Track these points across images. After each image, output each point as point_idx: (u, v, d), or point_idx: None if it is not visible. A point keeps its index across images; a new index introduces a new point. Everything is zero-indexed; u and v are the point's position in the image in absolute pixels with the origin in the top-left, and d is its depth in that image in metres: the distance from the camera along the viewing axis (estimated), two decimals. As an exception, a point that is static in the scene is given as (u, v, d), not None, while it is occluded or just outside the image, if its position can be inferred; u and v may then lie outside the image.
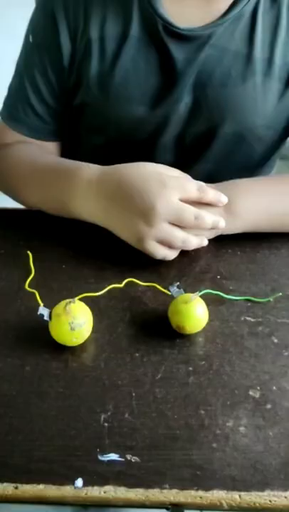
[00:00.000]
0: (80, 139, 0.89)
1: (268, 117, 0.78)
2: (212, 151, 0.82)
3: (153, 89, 0.76)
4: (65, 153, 0.90)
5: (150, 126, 0.79)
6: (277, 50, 0.74)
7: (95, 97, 0.78)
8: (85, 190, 0.70)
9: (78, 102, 0.81)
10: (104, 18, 0.75)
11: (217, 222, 0.69)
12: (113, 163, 0.70)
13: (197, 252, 0.74)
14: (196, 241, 0.69)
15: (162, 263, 0.72)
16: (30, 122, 0.84)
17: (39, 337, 0.62)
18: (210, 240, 0.75)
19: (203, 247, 0.74)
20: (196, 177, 0.72)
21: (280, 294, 0.68)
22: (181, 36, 0.73)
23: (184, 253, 0.74)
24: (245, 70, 0.74)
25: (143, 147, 0.82)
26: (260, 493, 0.51)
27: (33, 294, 0.66)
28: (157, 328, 0.64)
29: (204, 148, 0.82)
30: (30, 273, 0.70)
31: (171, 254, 0.70)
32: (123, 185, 0.67)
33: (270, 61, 0.74)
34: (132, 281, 0.69)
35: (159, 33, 0.74)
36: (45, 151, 0.85)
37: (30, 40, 0.79)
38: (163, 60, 0.75)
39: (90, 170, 0.71)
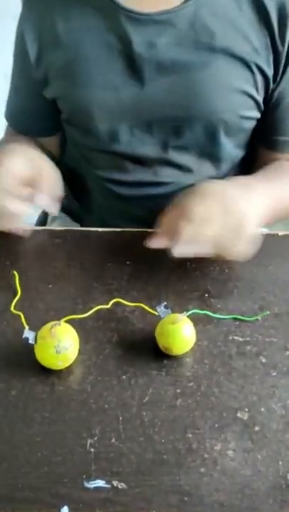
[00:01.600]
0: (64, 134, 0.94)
1: (233, 103, 0.79)
2: (185, 139, 0.82)
3: (116, 74, 0.77)
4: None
5: (119, 112, 0.80)
6: (238, 38, 0.75)
7: (63, 88, 0.82)
8: None
9: (50, 96, 0.85)
10: (66, 13, 0.79)
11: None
12: (92, 155, 0.77)
13: (185, 269, 0.74)
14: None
15: (150, 281, 0.72)
16: (22, 120, 0.92)
17: (25, 360, 0.61)
18: (197, 258, 0.75)
19: (191, 265, 0.74)
20: (176, 167, 0.81)
21: (268, 312, 0.68)
22: (139, 20, 0.75)
23: (171, 271, 0.73)
24: (206, 56, 0.76)
25: (116, 136, 0.82)
26: (248, 519, 0.51)
27: (19, 315, 0.66)
28: (145, 349, 0.64)
29: (178, 136, 0.82)
30: (16, 293, 0.70)
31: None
32: None
33: (230, 48, 0.76)
34: (119, 302, 0.68)
35: (119, 19, 0.76)
36: (44, 145, 0.92)
37: (13, 53, 0.88)
38: (123, 45, 0.76)
39: None
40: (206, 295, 0.71)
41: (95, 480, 0.52)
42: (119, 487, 0.52)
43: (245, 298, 0.70)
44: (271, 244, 0.79)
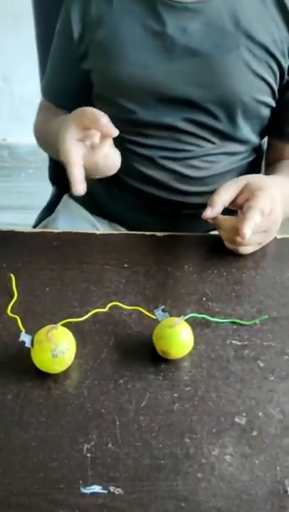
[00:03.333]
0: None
1: (252, 87, 0.85)
2: (207, 116, 0.87)
3: (149, 52, 0.85)
4: None
5: (147, 87, 0.86)
6: (260, 28, 0.83)
7: (99, 61, 0.88)
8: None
9: (87, 68, 0.91)
10: None
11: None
12: (115, 123, 0.77)
13: (183, 273, 0.73)
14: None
15: (148, 284, 0.72)
16: (58, 95, 0.99)
17: (21, 364, 0.61)
18: (195, 261, 0.75)
19: (189, 268, 0.74)
20: (197, 137, 0.88)
21: (266, 316, 0.68)
22: (174, 7, 0.84)
23: (169, 274, 0.73)
24: (231, 42, 0.83)
25: (142, 108, 0.88)
26: (246, 526, 0.50)
27: (16, 319, 0.65)
28: (142, 353, 0.63)
29: (200, 112, 0.87)
30: (12, 296, 0.69)
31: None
32: None
33: (253, 37, 0.83)
34: (116, 305, 0.68)
35: (155, 6, 0.84)
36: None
37: (58, 26, 0.95)
38: (158, 28, 0.84)
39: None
40: (204, 299, 0.70)
41: (91, 485, 0.52)
42: (116, 493, 0.52)
43: (244, 302, 0.70)
44: (269, 248, 0.78)
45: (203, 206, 0.75)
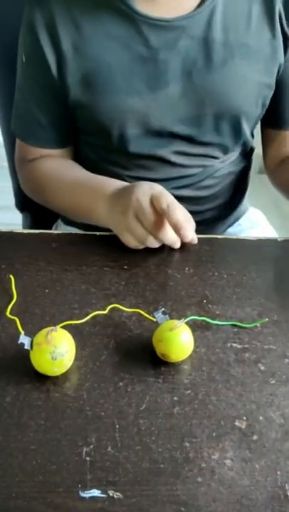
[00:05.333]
0: (80, 146, 0.93)
1: (253, 95, 0.83)
2: (210, 134, 0.85)
3: (139, 78, 0.79)
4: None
5: (145, 116, 0.81)
6: (250, 32, 0.80)
7: (84, 96, 0.81)
8: (105, 203, 0.78)
9: (72, 103, 0.83)
10: (83, 20, 0.78)
11: (174, 243, 0.73)
12: (113, 157, 0.79)
13: (183, 275, 0.73)
14: (154, 243, 0.73)
15: (148, 286, 0.71)
16: (41, 134, 0.88)
17: (20, 366, 0.60)
18: (196, 263, 0.74)
19: (189, 270, 0.73)
20: (202, 157, 0.86)
21: (267, 319, 0.67)
22: (159, 27, 0.78)
23: (169, 276, 0.73)
24: (223, 55, 0.79)
25: (142, 138, 0.83)
26: (246, 531, 0.50)
27: (15, 320, 0.65)
28: (142, 356, 0.63)
29: (203, 131, 0.85)
30: (12, 298, 0.69)
31: (140, 246, 0.74)
32: (123, 193, 0.76)
33: (245, 43, 0.80)
34: (116, 307, 0.67)
35: (138, 26, 0.78)
36: (67, 160, 0.91)
37: (23, 59, 0.84)
38: (147, 52, 0.79)
39: (110, 187, 0.79)
40: (205, 301, 0.70)
41: (90, 489, 0.51)
42: (115, 497, 0.51)
43: (244, 304, 0.69)
44: (270, 250, 0.78)
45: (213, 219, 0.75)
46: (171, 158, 0.85)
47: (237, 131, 0.86)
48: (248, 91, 0.82)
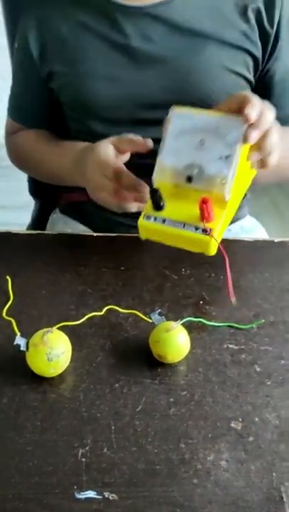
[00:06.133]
0: (67, 129, 0.94)
1: (226, 84, 0.82)
2: None
3: (116, 65, 0.81)
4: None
5: (121, 99, 0.82)
6: (226, 24, 0.79)
7: (68, 81, 0.85)
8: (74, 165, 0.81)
9: (55, 88, 0.87)
10: (64, 12, 0.82)
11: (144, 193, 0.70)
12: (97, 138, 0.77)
13: (180, 276, 0.73)
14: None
15: (145, 288, 0.71)
16: (29, 115, 0.94)
17: (16, 367, 0.60)
18: (193, 264, 0.74)
19: (186, 271, 0.73)
20: None
21: (263, 320, 0.67)
22: (133, 14, 0.79)
23: (166, 277, 0.73)
24: (198, 43, 0.80)
25: (118, 121, 0.84)
26: (241, 532, 0.50)
27: (11, 321, 0.65)
28: (138, 357, 0.63)
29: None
30: (8, 299, 0.69)
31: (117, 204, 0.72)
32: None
33: (220, 34, 0.80)
34: (112, 308, 0.67)
35: (113, 14, 0.79)
36: (43, 130, 0.94)
37: (16, 45, 0.90)
38: (121, 39, 0.80)
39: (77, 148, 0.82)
40: (201, 302, 0.70)
41: (86, 491, 0.52)
42: (111, 498, 0.51)
43: (241, 305, 0.70)
44: (267, 252, 0.78)
45: None
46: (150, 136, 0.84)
47: None
48: (222, 81, 0.82)
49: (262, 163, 0.68)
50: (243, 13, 0.79)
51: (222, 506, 0.51)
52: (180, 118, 0.67)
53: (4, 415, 0.57)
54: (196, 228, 0.64)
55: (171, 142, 0.66)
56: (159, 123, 0.82)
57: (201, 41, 0.79)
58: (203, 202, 0.63)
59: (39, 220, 1.06)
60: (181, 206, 0.65)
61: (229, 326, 0.67)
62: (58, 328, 0.61)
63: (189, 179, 0.65)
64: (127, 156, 0.74)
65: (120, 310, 0.67)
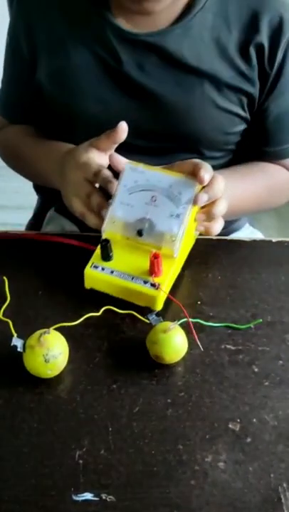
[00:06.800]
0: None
1: (219, 123, 0.81)
2: (170, 155, 0.81)
3: (106, 88, 0.79)
4: None
5: (108, 123, 0.77)
6: (224, 63, 0.77)
7: (55, 94, 0.82)
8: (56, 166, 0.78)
9: (44, 96, 0.85)
10: (54, 20, 0.80)
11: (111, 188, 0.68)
12: None
13: (177, 276, 0.73)
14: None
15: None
16: (17, 111, 0.92)
17: (13, 369, 0.60)
18: (190, 265, 0.74)
19: (183, 272, 0.73)
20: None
21: (260, 320, 0.67)
22: (128, 40, 0.76)
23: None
24: (192, 80, 0.77)
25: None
26: (239, 534, 0.50)
27: (7, 322, 0.65)
28: (135, 358, 0.63)
29: (162, 151, 0.82)
30: (5, 300, 0.68)
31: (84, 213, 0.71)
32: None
33: (216, 74, 0.77)
34: (110, 309, 0.67)
35: (106, 34, 0.76)
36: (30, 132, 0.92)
37: (7, 40, 0.88)
38: (113, 63, 0.77)
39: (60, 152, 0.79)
40: (199, 302, 0.70)
41: (83, 493, 0.51)
42: (108, 500, 0.51)
43: (238, 306, 0.69)
44: (264, 252, 0.78)
45: None
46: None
47: (199, 153, 0.83)
48: (215, 119, 0.80)
49: (206, 228, 0.71)
50: (245, 50, 0.76)
51: (219, 507, 0.51)
52: (133, 172, 0.68)
53: (0, 417, 0.57)
54: (145, 282, 0.66)
55: (123, 195, 0.68)
56: (146, 150, 0.81)
57: (195, 79, 0.77)
58: (155, 257, 0.65)
59: (40, 215, 1.05)
60: (129, 259, 0.67)
61: (227, 326, 0.67)
62: (55, 329, 0.61)
63: (140, 233, 0.67)
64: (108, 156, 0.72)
65: (117, 310, 0.66)
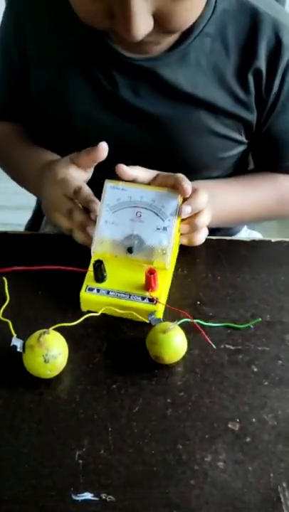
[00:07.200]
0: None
1: (215, 148, 0.80)
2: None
3: (99, 110, 0.77)
4: None
5: (91, 142, 0.76)
6: (221, 90, 0.75)
7: (45, 106, 0.81)
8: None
9: (37, 105, 0.83)
10: (51, 32, 0.77)
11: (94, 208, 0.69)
12: None
13: (176, 276, 0.73)
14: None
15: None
16: (3, 107, 0.90)
17: (12, 369, 0.60)
18: (189, 264, 0.74)
19: (182, 272, 0.73)
20: None
21: (260, 319, 0.67)
22: (124, 63, 0.74)
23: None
24: (188, 107, 0.75)
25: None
26: (238, 533, 0.50)
27: (7, 322, 0.65)
28: (135, 358, 0.63)
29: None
30: (5, 300, 0.68)
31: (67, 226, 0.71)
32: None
33: (213, 101, 0.75)
34: (109, 309, 0.67)
35: (105, 59, 0.75)
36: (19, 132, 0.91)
37: (1, 40, 0.85)
38: (108, 85, 0.76)
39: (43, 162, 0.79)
40: (198, 302, 0.70)
41: (82, 493, 0.51)
42: (108, 500, 0.51)
43: (238, 306, 0.69)
44: (264, 251, 0.78)
45: None
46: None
47: (192, 176, 0.78)
48: (210, 145, 0.79)
49: (189, 239, 0.72)
50: (243, 77, 0.74)
51: (219, 507, 0.51)
52: (115, 190, 0.69)
53: (0, 417, 0.57)
54: (143, 298, 0.66)
55: (107, 214, 0.68)
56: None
57: (190, 106, 0.75)
58: (150, 272, 0.65)
59: (39, 216, 1.05)
60: (123, 276, 0.68)
61: (226, 326, 0.67)
62: (55, 329, 0.61)
63: (130, 250, 0.67)
64: (89, 173, 0.72)
65: (117, 310, 0.66)
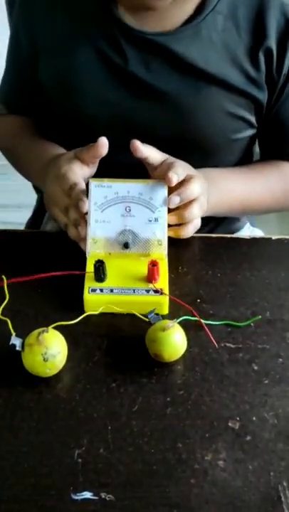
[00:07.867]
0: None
1: (226, 127, 0.80)
2: (178, 155, 0.78)
3: (110, 89, 0.77)
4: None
5: (112, 125, 0.78)
6: (233, 68, 0.75)
7: (55, 94, 0.81)
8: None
9: (45, 94, 0.84)
10: (56, 18, 0.78)
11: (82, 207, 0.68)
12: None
13: (176, 274, 0.73)
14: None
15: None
16: (14, 99, 0.91)
17: (11, 367, 0.60)
18: (190, 262, 0.74)
19: (182, 269, 0.73)
20: None
21: (260, 317, 0.67)
22: (135, 38, 0.75)
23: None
24: (199, 82, 0.76)
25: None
26: (239, 532, 0.49)
27: (6, 321, 0.64)
28: (135, 356, 0.62)
29: (169, 152, 0.78)
30: (4, 298, 0.68)
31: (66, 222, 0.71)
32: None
33: (224, 78, 0.75)
34: (109, 307, 0.67)
35: (113, 31, 0.75)
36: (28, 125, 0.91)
37: (10, 31, 0.88)
38: (119, 61, 0.76)
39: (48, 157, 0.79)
40: (198, 300, 0.69)
41: (82, 492, 0.51)
42: (107, 499, 0.51)
43: (238, 303, 0.69)
44: (264, 249, 0.78)
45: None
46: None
47: (204, 159, 0.81)
48: (222, 123, 0.79)
49: (175, 232, 0.72)
50: (254, 55, 0.75)
51: (219, 506, 0.51)
52: (100, 188, 0.69)
53: None
54: (147, 291, 0.66)
55: (97, 214, 0.68)
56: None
57: (202, 82, 0.75)
58: (153, 264, 0.66)
59: (39, 214, 1.04)
60: (121, 273, 0.68)
61: (226, 324, 0.66)
62: (54, 328, 0.61)
63: (126, 246, 0.68)
64: (93, 168, 0.72)
65: (117, 309, 0.66)
